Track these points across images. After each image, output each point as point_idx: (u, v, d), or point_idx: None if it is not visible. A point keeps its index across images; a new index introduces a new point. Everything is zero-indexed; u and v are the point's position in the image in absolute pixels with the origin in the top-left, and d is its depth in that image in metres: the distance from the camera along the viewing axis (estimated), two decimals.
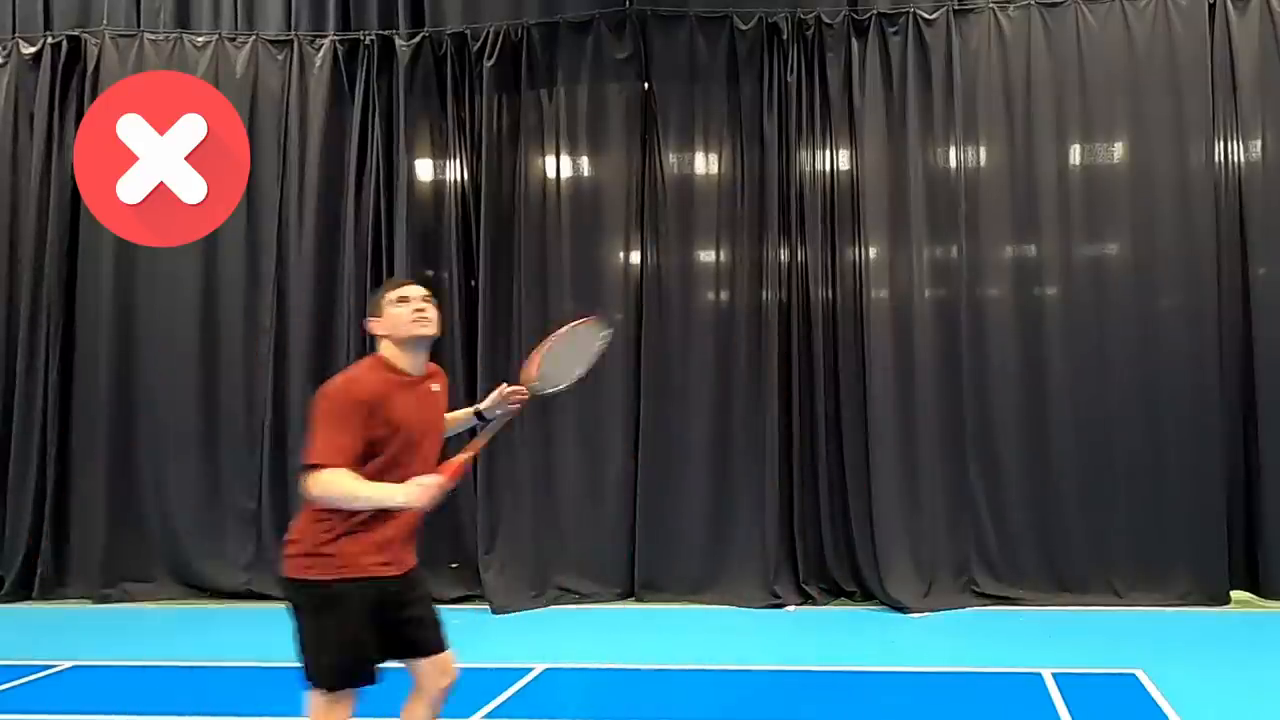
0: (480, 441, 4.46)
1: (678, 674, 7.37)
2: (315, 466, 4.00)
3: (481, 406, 4.72)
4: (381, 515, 4.11)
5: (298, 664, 4.23)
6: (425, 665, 4.34)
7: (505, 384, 4.68)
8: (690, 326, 9.81)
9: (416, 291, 4.32)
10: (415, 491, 3.98)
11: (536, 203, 10.01)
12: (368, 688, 4.18)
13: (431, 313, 4.31)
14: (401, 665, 4.36)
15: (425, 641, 4.34)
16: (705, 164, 9.95)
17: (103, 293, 10.30)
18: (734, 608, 9.25)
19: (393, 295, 4.29)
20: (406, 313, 4.25)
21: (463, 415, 4.73)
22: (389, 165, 10.07)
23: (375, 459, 4.11)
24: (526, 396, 4.67)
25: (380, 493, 4.03)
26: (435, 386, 4.41)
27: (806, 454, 9.51)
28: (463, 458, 4.20)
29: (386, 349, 4.28)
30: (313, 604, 4.16)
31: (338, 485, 3.98)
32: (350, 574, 4.10)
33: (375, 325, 4.33)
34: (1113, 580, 9.15)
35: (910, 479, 9.37)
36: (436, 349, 10.33)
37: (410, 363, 4.29)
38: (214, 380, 10.26)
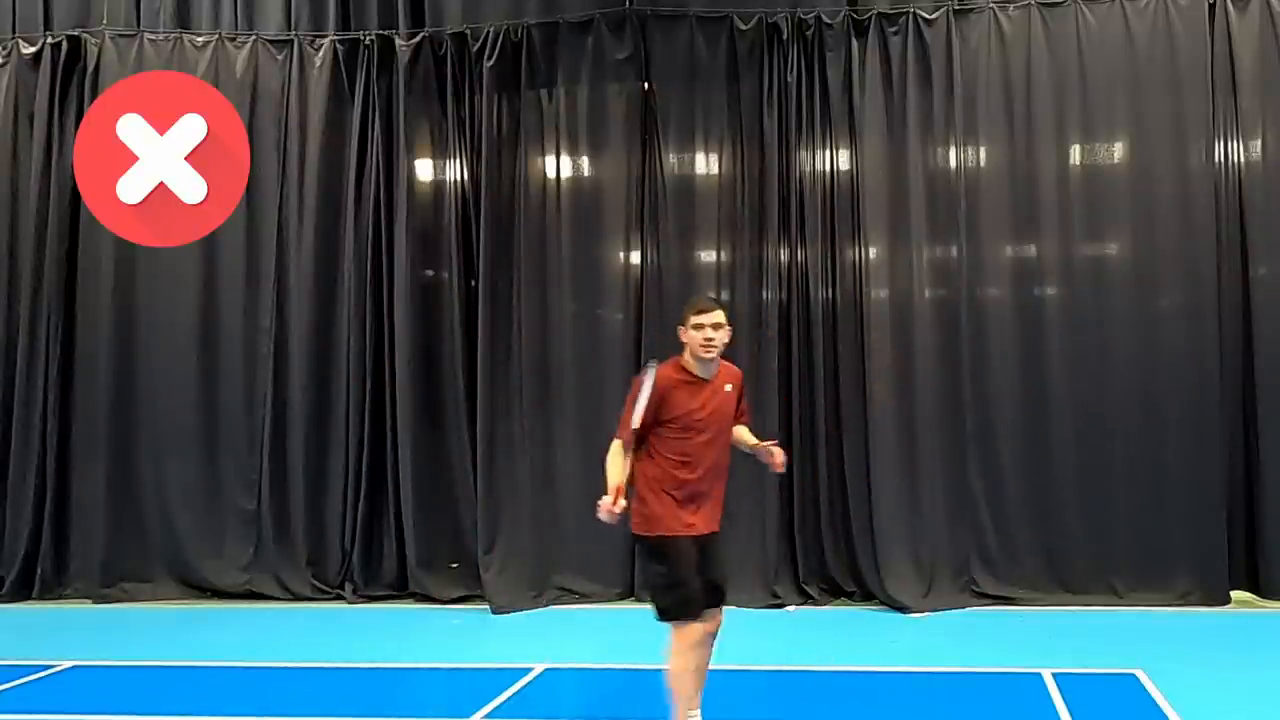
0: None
1: None
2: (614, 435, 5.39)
3: (752, 444, 5.84)
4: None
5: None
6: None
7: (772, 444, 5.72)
8: None
9: (710, 319, 5.44)
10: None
11: (536, 203, 10.01)
12: None
13: (720, 338, 5.46)
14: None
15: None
16: (705, 164, 9.95)
17: (103, 293, 10.30)
18: (734, 608, 9.22)
19: (693, 319, 5.46)
20: (699, 337, 5.43)
21: (745, 439, 5.90)
22: (389, 165, 10.07)
23: (667, 437, 5.41)
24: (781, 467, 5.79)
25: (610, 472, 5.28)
26: (727, 387, 5.60)
27: (806, 454, 9.51)
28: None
29: (685, 354, 5.51)
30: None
31: (610, 456, 5.37)
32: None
33: (682, 334, 5.53)
34: (1113, 580, 9.15)
35: (910, 479, 9.37)
36: (438, 349, 10.38)
37: (700, 369, 5.49)
38: (214, 380, 10.27)
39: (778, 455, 5.67)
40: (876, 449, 9.33)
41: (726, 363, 5.66)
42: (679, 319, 5.52)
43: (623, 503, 5.15)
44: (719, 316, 5.46)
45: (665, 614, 5.40)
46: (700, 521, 5.49)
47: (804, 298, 9.58)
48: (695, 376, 5.47)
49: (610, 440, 5.47)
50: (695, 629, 5.40)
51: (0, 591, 10.02)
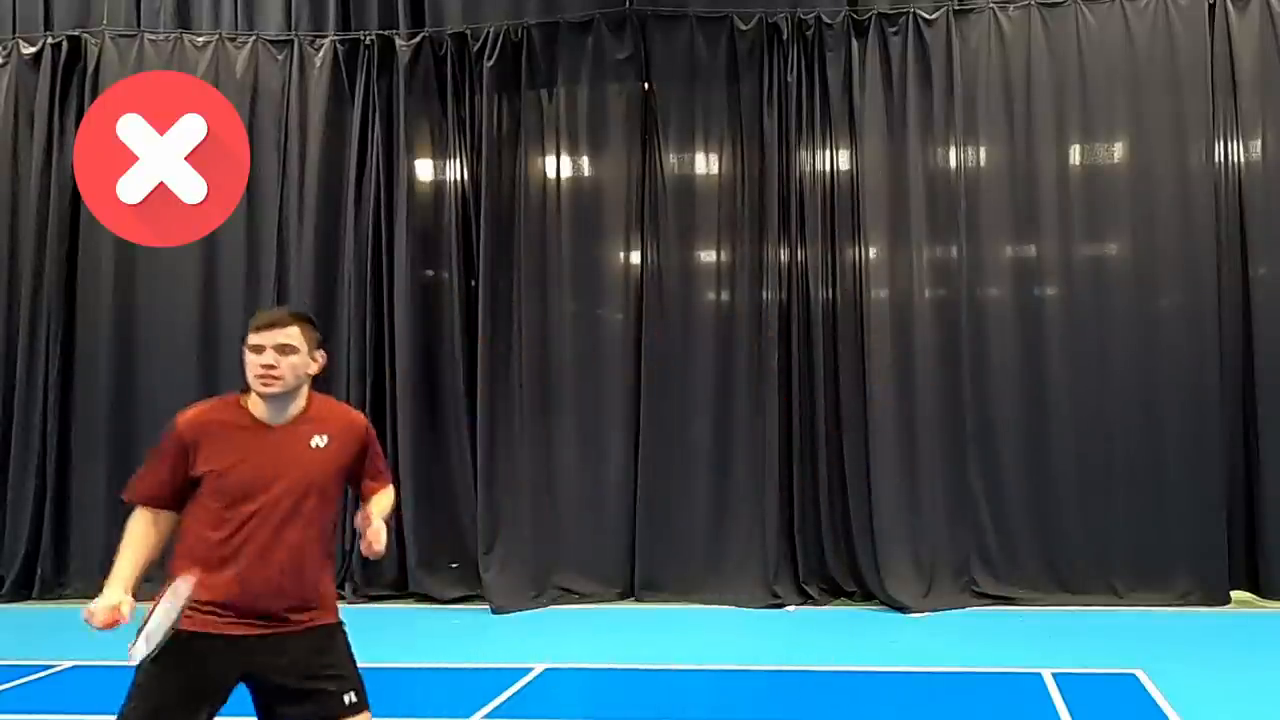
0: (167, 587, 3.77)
1: (678, 674, 7.37)
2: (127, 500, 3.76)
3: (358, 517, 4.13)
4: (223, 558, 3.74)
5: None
6: None
7: (363, 520, 4.11)
8: (690, 326, 9.80)
9: (271, 339, 3.74)
10: (95, 602, 3.65)
11: (536, 203, 10.01)
12: None
13: (285, 366, 3.74)
14: None
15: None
16: (705, 164, 9.95)
17: (103, 293, 10.31)
18: (734, 608, 9.25)
19: (250, 339, 3.78)
20: (252, 365, 3.79)
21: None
22: (389, 165, 10.07)
23: (204, 503, 3.76)
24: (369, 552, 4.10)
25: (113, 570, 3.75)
26: (315, 439, 3.85)
27: (806, 454, 9.51)
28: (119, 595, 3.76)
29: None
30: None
31: (126, 533, 3.80)
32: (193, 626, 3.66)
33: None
34: (1113, 580, 9.15)
35: (910, 479, 9.37)
36: (438, 349, 10.37)
37: (266, 411, 3.84)
38: (214, 380, 10.23)
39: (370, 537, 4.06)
40: (876, 449, 9.33)
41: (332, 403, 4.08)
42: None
43: None
44: (280, 338, 3.76)
45: None
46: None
47: (804, 298, 9.58)
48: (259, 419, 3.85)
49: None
50: None
51: (0, 591, 10.02)
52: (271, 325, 3.77)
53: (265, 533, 3.75)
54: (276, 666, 3.72)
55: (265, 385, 3.77)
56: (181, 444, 3.81)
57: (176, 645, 3.61)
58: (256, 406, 3.86)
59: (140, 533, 3.87)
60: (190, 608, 3.68)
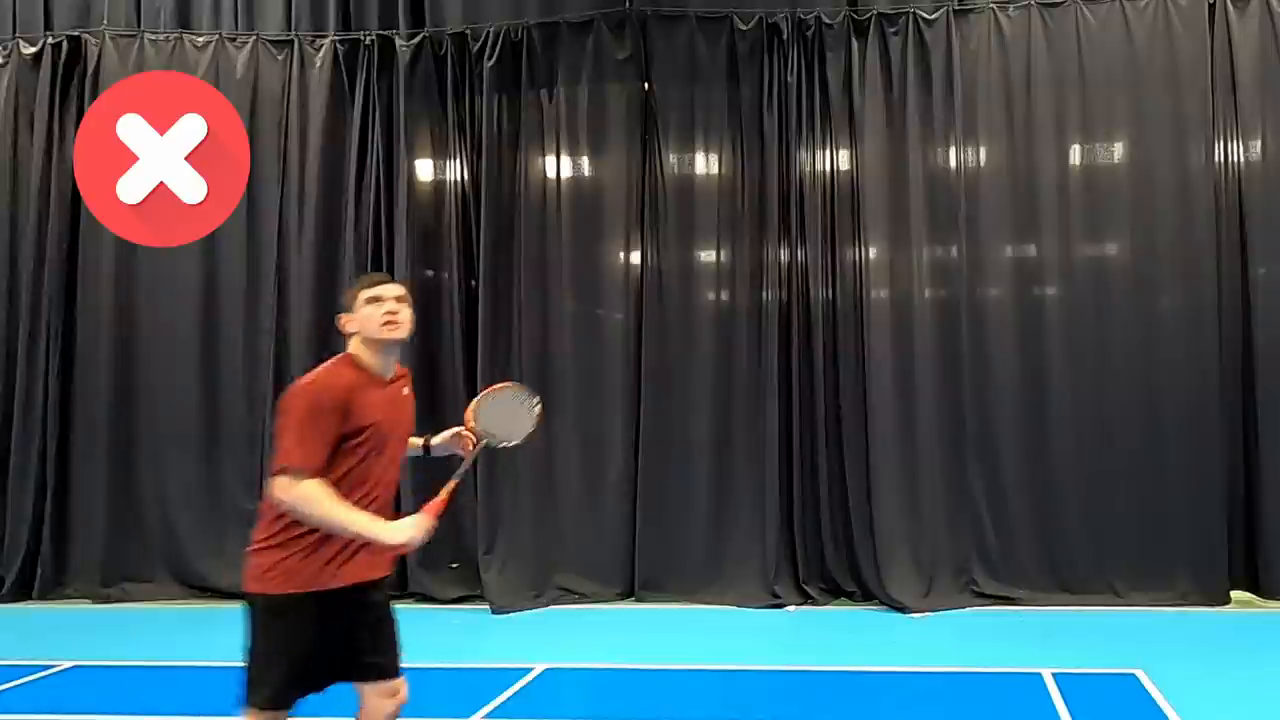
0: (455, 481, 4.25)
1: (678, 674, 7.37)
2: (286, 470, 3.88)
3: (433, 441, 4.63)
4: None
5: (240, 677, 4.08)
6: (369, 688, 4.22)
7: (461, 428, 4.58)
8: (690, 326, 9.81)
9: (390, 291, 4.16)
10: (405, 531, 3.95)
11: (536, 203, 10.01)
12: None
13: (404, 315, 4.17)
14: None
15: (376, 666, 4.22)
16: (705, 164, 9.95)
17: (103, 293, 10.30)
18: (734, 608, 9.25)
19: (366, 294, 4.13)
20: (377, 315, 4.11)
21: (414, 443, 4.58)
22: (389, 165, 10.07)
23: (345, 459, 3.97)
24: (474, 444, 4.54)
25: (361, 525, 3.93)
26: (405, 390, 4.32)
27: (806, 454, 9.51)
28: (444, 496, 4.11)
29: (355, 347, 4.15)
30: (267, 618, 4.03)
31: (316, 503, 3.87)
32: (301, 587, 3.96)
33: (346, 321, 4.19)
34: (1113, 580, 9.15)
35: (910, 479, 9.37)
36: (438, 349, 10.39)
37: (380, 364, 4.15)
38: (214, 380, 10.26)
39: (459, 431, 4.63)
40: (876, 449, 9.33)
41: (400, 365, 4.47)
42: (346, 306, 4.30)
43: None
44: (398, 289, 4.28)
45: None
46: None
47: (804, 298, 9.58)
48: (376, 374, 4.20)
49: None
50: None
51: (0, 591, 10.02)
52: (386, 281, 4.23)
53: (389, 479, 4.19)
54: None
55: (392, 330, 4.14)
56: (338, 407, 3.95)
57: (335, 598, 4.00)
58: (371, 363, 4.14)
59: (332, 493, 3.94)
60: (339, 561, 4.01)
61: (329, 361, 4.19)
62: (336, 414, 3.93)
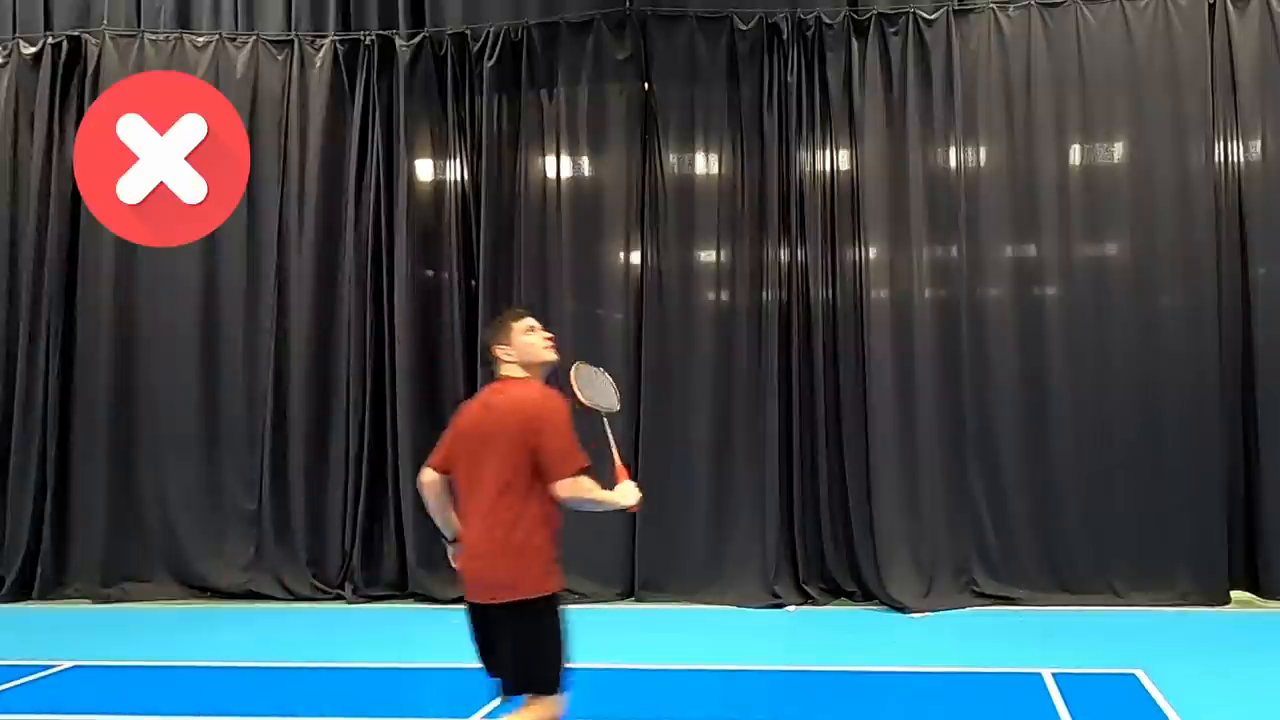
0: (618, 450, 4.88)
1: (678, 674, 7.37)
2: (585, 471, 4.43)
3: None
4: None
5: (547, 673, 4.57)
6: None
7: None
8: (690, 326, 9.81)
9: (538, 321, 4.77)
10: (635, 494, 4.65)
11: (536, 203, 10.02)
12: None
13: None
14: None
15: None
16: (705, 164, 9.95)
17: (103, 293, 10.31)
18: (734, 608, 9.25)
19: (524, 325, 4.69)
20: (539, 341, 4.68)
21: None
22: (389, 165, 10.08)
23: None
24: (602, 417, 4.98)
25: (612, 495, 4.62)
26: None
27: (806, 454, 9.51)
28: (622, 465, 4.74)
29: (519, 371, 4.65)
30: (557, 613, 4.50)
31: (588, 489, 4.46)
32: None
33: (503, 351, 4.66)
34: (1113, 580, 9.15)
35: (910, 479, 9.37)
36: (438, 349, 10.37)
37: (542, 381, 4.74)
38: (214, 380, 10.27)
39: None
40: (876, 449, 9.33)
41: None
42: (500, 339, 4.74)
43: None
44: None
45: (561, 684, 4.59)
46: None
47: (804, 298, 9.58)
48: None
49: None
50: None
51: (0, 591, 10.02)
52: (530, 313, 4.81)
53: None
54: None
55: (552, 352, 4.73)
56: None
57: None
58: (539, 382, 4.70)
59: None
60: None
61: (523, 383, 4.65)
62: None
